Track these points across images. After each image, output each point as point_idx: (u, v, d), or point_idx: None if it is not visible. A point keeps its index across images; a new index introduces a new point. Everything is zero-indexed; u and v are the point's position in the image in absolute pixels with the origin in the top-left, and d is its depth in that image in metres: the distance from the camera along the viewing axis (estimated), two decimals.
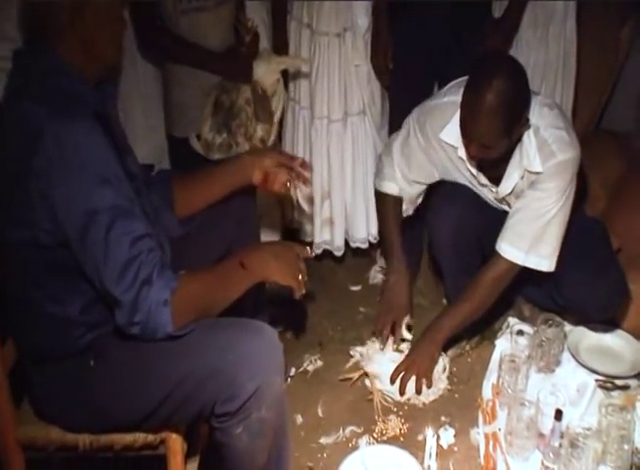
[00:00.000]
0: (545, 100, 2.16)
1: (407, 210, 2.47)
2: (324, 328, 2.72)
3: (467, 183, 2.34)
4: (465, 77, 2.07)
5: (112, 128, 1.60)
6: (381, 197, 2.48)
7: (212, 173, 2.01)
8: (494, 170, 2.19)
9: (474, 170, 2.22)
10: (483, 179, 2.24)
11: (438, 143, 2.26)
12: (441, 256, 2.46)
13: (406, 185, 2.41)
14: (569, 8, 2.70)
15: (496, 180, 2.22)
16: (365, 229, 2.91)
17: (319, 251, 2.93)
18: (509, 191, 2.20)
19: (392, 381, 2.31)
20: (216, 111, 2.49)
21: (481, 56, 2.36)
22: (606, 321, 2.41)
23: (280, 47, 2.67)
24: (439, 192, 2.39)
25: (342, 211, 2.87)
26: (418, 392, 2.30)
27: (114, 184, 1.52)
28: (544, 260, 2.18)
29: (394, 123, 2.78)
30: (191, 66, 2.49)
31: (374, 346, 2.44)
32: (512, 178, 2.17)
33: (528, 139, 2.10)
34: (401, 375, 2.30)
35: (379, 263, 3.03)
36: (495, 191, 2.25)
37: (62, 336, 1.64)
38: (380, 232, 2.63)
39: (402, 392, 2.30)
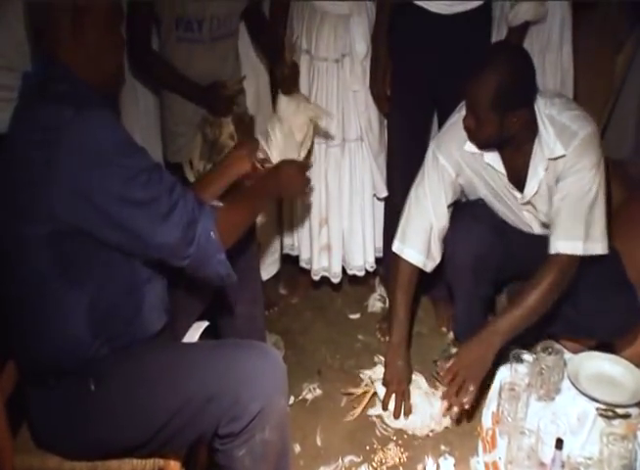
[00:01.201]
0: (552, 92, 2.27)
1: (426, 265, 2.40)
2: (323, 356, 2.71)
3: (492, 198, 2.36)
4: None
5: None
6: (400, 263, 2.40)
7: (207, 177, 2.10)
8: (517, 166, 2.22)
9: (502, 170, 2.24)
10: (508, 183, 2.27)
11: (463, 158, 2.29)
12: (457, 279, 2.44)
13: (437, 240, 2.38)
14: (564, 35, 2.72)
15: (521, 187, 2.25)
16: (362, 257, 2.91)
17: (317, 278, 2.92)
18: (535, 190, 2.22)
19: (445, 384, 2.23)
20: (205, 141, 2.50)
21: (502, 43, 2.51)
22: (606, 349, 2.40)
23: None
24: (466, 214, 2.39)
25: (339, 237, 2.87)
26: (465, 404, 2.19)
27: (139, 149, 1.60)
28: (598, 244, 2.18)
29: (392, 150, 2.80)
30: (175, 93, 2.50)
31: (381, 368, 2.42)
32: (537, 174, 2.19)
33: (545, 129, 2.13)
34: (449, 378, 2.21)
35: (378, 291, 3.03)
36: (521, 196, 2.26)
37: (66, 345, 1.64)
38: (390, 298, 2.59)
39: (450, 397, 2.20)
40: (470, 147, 2.25)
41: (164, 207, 1.58)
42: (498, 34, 2.66)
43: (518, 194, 2.27)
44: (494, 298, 2.70)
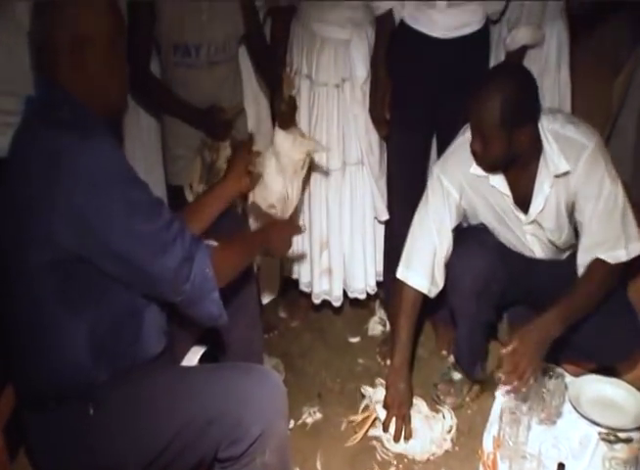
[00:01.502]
0: (553, 108, 2.30)
1: (431, 291, 2.39)
2: (323, 380, 2.70)
3: (495, 222, 2.36)
4: None
5: None
6: (404, 289, 2.38)
7: (202, 199, 2.11)
8: (523, 185, 2.22)
9: (507, 191, 2.24)
10: (513, 205, 2.27)
11: (467, 181, 2.29)
12: (459, 304, 2.43)
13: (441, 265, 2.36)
14: (562, 59, 2.73)
15: (526, 207, 2.25)
16: (363, 280, 2.90)
17: (318, 301, 2.92)
18: (541, 207, 2.22)
19: (504, 372, 2.14)
20: (203, 164, 2.51)
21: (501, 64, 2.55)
22: (607, 372, 2.39)
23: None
24: (468, 239, 2.38)
25: (340, 260, 2.86)
26: (521, 381, 2.11)
27: (140, 181, 1.60)
28: (638, 243, 2.20)
29: (392, 174, 2.80)
30: (174, 116, 2.52)
31: (382, 391, 2.40)
32: (542, 191, 2.19)
33: (549, 146, 2.14)
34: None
35: (378, 315, 3.02)
36: (525, 217, 2.26)
37: (66, 370, 1.63)
38: (392, 322, 2.58)
39: (510, 385, 2.14)
40: (475, 169, 2.24)
41: (162, 241, 1.58)
42: (496, 58, 2.68)
43: (522, 216, 2.27)
44: (496, 323, 2.69)
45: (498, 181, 2.24)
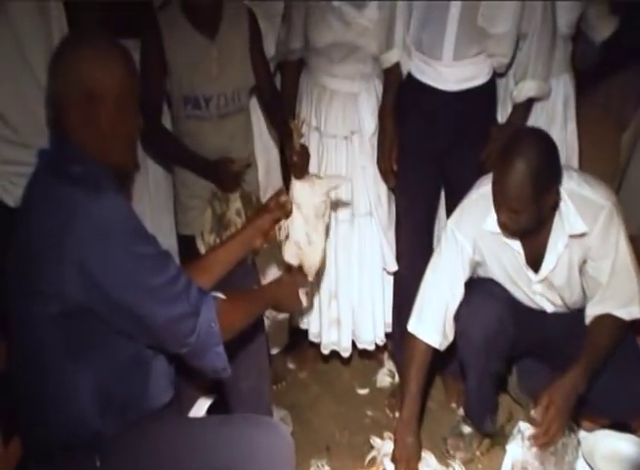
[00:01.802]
0: (566, 165, 2.27)
1: (442, 345, 2.37)
2: (331, 432, 2.66)
3: (505, 279, 2.35)
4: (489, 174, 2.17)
5: None
6: (415, 343, 2.36)
7: (216, 255, 2.07)
8: (536, 243, 2.21)
9: (520, 249, 2.23)
10: (525, 264, 2.26)
11: (481, 237, 2.28)
12: (469, 356, 2.40)
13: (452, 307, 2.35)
14: (568, 112, 2.76)
15: (537, 265, 2.24)
16: (372, 331, 2.89)
17: (326, 351, 2.90)
18: (552, 265, 2.21)
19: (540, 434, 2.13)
20: (214, 215, 2.53)
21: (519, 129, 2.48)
22: (622, 428, 2.35)
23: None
24: (477, 291, 2.36)
25: (348, 311, 2.86)
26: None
27: (149, 236, 1.61)
28: None
29: (400, 225, 2.81)
30: (183, 168, 2.54)
31: (390, 444, 2.37)
32: (556, 250, 2.18)
33: (565, 205, 2.13)
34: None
35: (386, 366, 3.00)
36: (536, 276, 2.25)
37: (72, 421, 1.62)
38: (402, 374, 2.57)
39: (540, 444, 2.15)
40: (489, 226, 2.23)
41: (167, 296, 1.59)
42: (503, 111, 2.70)
43: (533, 276, 2.27)
44: (505, 376, 2.67)
45: (511, 239, 2.24)
